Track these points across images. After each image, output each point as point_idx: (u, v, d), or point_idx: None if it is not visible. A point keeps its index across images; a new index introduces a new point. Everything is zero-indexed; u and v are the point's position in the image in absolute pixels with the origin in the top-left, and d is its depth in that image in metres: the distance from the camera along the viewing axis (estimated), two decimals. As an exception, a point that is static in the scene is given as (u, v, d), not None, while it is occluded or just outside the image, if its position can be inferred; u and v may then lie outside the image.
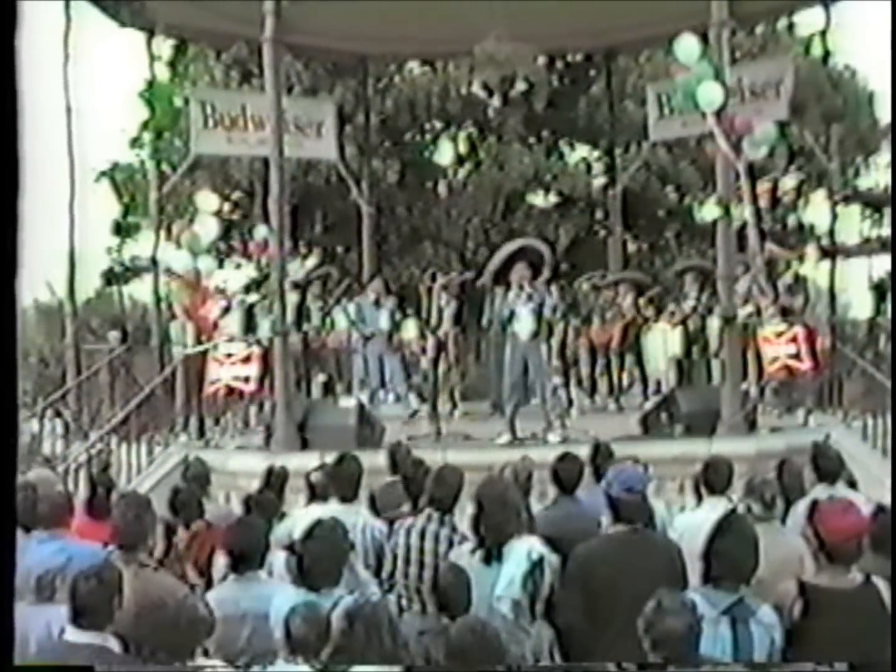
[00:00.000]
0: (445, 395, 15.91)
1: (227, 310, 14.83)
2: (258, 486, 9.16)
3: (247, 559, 6.41)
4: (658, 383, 15.86)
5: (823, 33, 17.61)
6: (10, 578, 4.89)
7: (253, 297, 15.53)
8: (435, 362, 15.40)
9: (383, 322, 15.76)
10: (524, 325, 12.97)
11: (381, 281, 16.55)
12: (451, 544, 6.69)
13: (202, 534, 7.69)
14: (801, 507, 7.23)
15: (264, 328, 14.60)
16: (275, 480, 9.10)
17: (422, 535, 6.83)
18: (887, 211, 30.68)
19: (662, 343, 15.71)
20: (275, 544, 6.92)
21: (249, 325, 14.80)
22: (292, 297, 15.24)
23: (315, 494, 8.39)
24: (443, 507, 6.89)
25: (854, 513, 5.71)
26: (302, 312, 16.35)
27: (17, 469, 5.46)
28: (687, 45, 12.72)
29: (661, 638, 4.82)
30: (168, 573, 6.45)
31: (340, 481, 7.86)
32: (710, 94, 12.58)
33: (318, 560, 5.96)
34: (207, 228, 15.61)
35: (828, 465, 7.83)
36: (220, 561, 6.76)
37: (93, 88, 18.12)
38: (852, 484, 8.08)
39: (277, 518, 8.03)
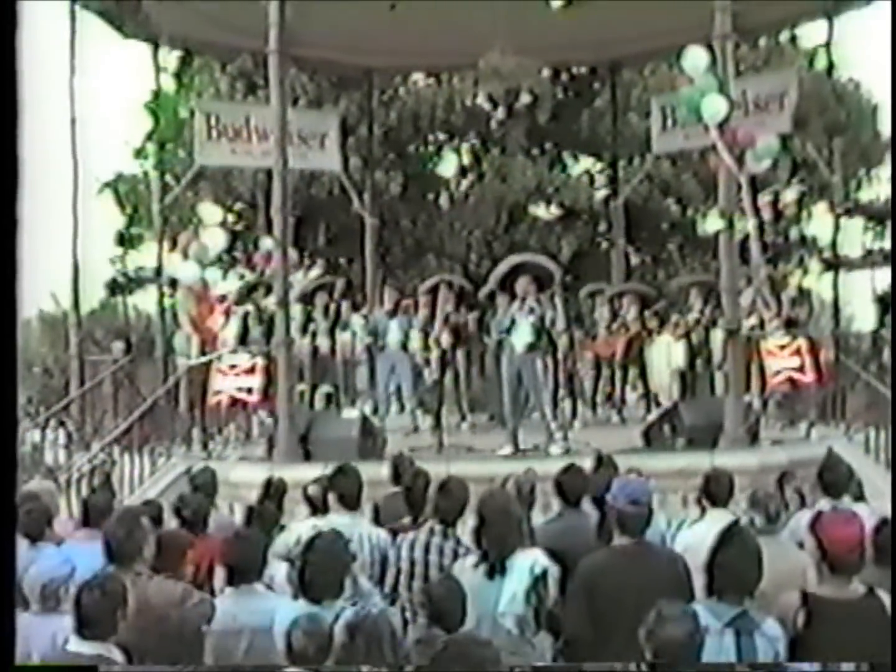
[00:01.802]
0: (451, 407, 15.92)
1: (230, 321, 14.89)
2: (257, 497, 9.16)
3: (245, 572, 6.38)
4: (658, 396, 15.84)
5: (827, 46, 17.65)
6: (11, 581, 4.90)
7: (247, 307, 15.57)
8: (440, 373, 15.41)
9: (395, 333, 15.72)
10: (521, 337, 12.99)
11: (395, 292, 16.54)
12: (455, 557, 6.67)
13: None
14: (797, 518, 7.25)
15: (256, 337, 14.70)
16: (274, 492, 9.08)
17: (426, 549, 6.81)
18: (890, 223, 30.72)
19: (666, 355, 15.69)
20: (275, 556, 6.91)
21: (244, 335, 14.84)
22: (296, 308, 15.27)
23: (314, 507, 8.38)
24: (447, 520, 6.87)
25: (857, 524, 5.71)
26: (308, 323, 16.37)
27: (18, 477, 5.47)
28: (695, 57, 12.73)
29: (663, 646, 4.82)
30: (164, 578, 6.43)
31: (338, 493, 7.84)
32: (714, 106, 12.60)
33: (319, 572, 5.94)
34: (215, 240, 15.64)
35: (833, 479, 7.83)
36: (221, 573, 6.74)
37: (97, 99, 18.17)
38: (859, 497, 8.07)
39: (277, 530, 8.01)
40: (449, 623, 5.68)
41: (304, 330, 16.14)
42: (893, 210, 15.30)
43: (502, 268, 14.07)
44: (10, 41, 5.05)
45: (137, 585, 5.86)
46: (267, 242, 15.87)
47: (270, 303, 14.15)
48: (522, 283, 13.15)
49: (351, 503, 7.72)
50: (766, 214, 14.99)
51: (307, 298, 16.53)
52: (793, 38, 28.95)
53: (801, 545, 6.06)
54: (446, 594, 5.86)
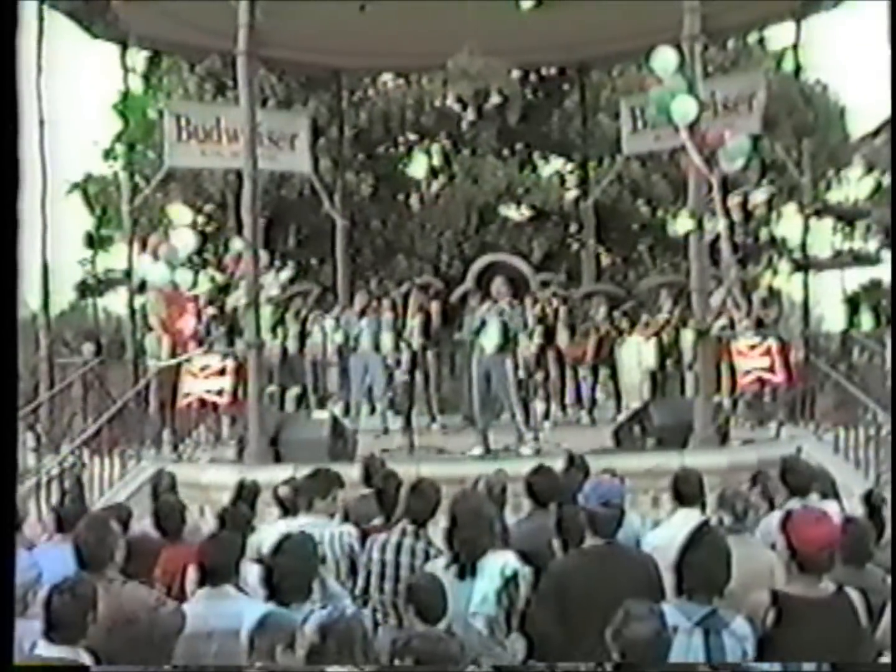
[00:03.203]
0: (422, 408, 15.94)
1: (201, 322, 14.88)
2: (230, 499, 9.11)
3: (217, 575, 6.34)
4: (628, 396, 15.90)
5: (795, 48, 17.73)
6: (11, 580, 4.87)
7: (213, 310, 15.57)
8: (410, 375, 15.42)
9: (366, 334, 15.71)
10: (490, 338, 13.03)
11: (366, 293, 16.54)
12: (426, 558, 6.67)
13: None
14: (770, 520, 7.27)
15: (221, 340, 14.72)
16: (246, 494, 9.05)
17: (397, 550, 6.81)
18: (859, 224, 30.94)
19: (636, 355, 15.77)
20: (246, 559, 6.88)
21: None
22: (266, 311, 15.26)
23: (285, 508, 8.35)
24: (418, 521, 6.87)
25: (827, 523, 5.74)
26: (279, 325, 16.42)
27: (17, 474, 5.44)
28: (664, 57, 12.78)
29: (629, 645, 4.81)
30: (137, 584, 6.39)
31: (310, 494, 7.81)
32: (684, 107, 12.64)
33: (288, 574, 5.92)
34: (185, 241, 15.59)
35: (797, 480, 7.86)
36: (193, 576, 6.71)
37: (66, 100, 18.08)
38: (825, 495, 8.10)
39: (250, 532, 7.98)
40: (430, 617, 5.68)
41: (274, 332, 16.16)
42: (894, 211, 15.36)
43: (479, 265, 14.15)
44: (10, 44, 5.03)
45: (110, 591, 5.82)
46: (238, 243, 15.81)
47: (241, 304, 14.13)
48: (497, 284, 13.20)
49: (319, 506, 7.70)
50: (736, 215, 15.04)
51: (282, 304, 16.60)
52: (761, 40, 29.08)
53: (773, 546, 6.08)
54: (428, 587, 5.88)
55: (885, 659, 5.35)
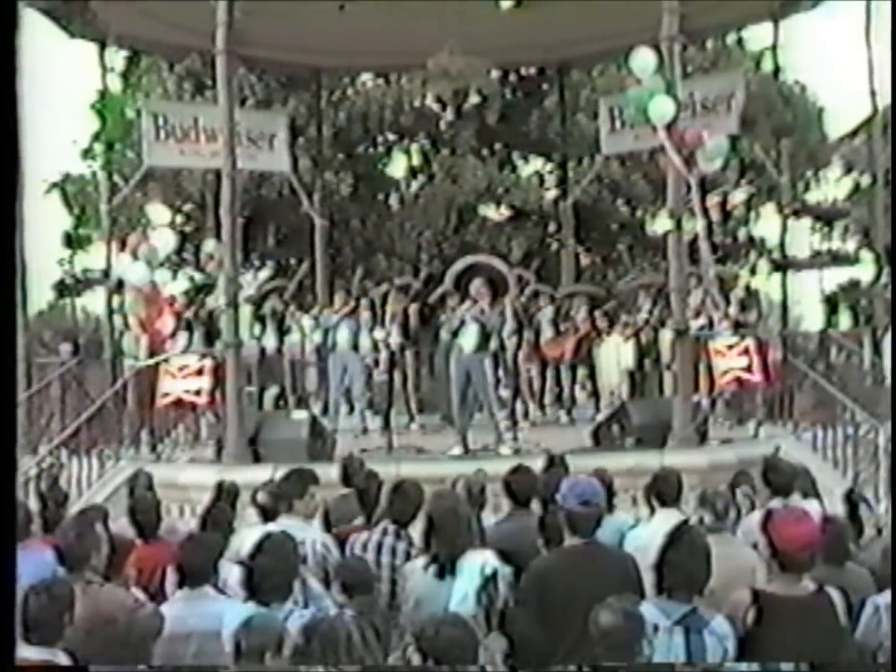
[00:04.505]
0: (401, 408, 15.93)
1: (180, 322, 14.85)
2: (209, 500, 9.07)
3: (196, 575, 6.32)
4: (610, 395, 15.91)
5: (773, 49, 17.78)
6: (11, 580, 4.84)
7: (191, 310, 15.55)
8: (388, 374, 15.41)
9: (345, 334, 15.68)
10: (469, 338, 13.04)
11: (345, 293, 16.52)
12: (408, 558, 6.68)
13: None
14: (752, 519, 7.29)
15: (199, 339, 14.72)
16: (225, 495, 9.01)
17: (378, 550, 6.81)
18: (837, 224, 31.07)
19: (615, 355, 15.78)
20: (227, 560, 6.86)
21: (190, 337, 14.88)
22: (245, 310, 15.23)
23: (265, 513, 8.30)
24: (400, 521, 6.88)
25: (808, 522, 5.75)
26: (257, 324, 16.40)
27: (17, 472, 5.40)
28: (643, 58, 12.81)
29: (605, 631, 4.83)
30: (116, 586, 6.36)
31: (287, 496, 7.78)
32: (662, 107, 12.66)
33: (268, 574, 5.90)
34: (165, 241, 15.54)
35: (779, 480, 7.87)
36: (172, 577, 6.69)
37: (44, 100, 17.98)
38: (806, 494, 8.12)
39: (229, 532, 7.94)
40: (357, 592, 5.75)
41: (252, 331, 16.12)
42: (894, 210, 15.41)
43: (458, 266, 14.16)
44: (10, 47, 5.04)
45: (88, 593, 5.79)
46: (209, 244, 15.78)
47: (219, 304, 14.08)
48: (476, 285, 13.22)
49: (297, 508, 7.65)
50: (715, 215, 15.11)
51: (258, 301, 16.56)
52: (739, 41, 29.18)
53: (755, 545, 6.09)
54: (354, 565, 6.08)
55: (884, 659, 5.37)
